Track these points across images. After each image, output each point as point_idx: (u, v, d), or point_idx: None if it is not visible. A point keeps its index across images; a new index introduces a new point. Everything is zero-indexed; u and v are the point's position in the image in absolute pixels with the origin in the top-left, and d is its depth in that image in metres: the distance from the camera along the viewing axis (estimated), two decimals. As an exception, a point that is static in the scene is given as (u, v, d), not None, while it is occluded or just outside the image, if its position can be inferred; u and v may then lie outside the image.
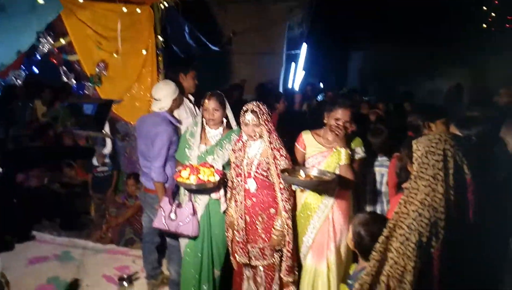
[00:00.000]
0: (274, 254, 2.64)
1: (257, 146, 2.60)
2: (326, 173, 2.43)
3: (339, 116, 2.50)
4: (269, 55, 8.16)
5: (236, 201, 2.68)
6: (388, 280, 1.42)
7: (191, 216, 2.77)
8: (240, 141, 2.68)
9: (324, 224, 2.56)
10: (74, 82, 3.04)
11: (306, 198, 2.61)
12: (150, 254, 3.35)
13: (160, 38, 3.77)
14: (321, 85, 9.90)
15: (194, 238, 2.83)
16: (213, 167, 2.71)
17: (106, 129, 3.76)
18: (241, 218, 2.64)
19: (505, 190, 1.62)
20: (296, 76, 9.59)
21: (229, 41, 7.21)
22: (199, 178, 2.60)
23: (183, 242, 2.93)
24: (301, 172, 2.43)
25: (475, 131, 1.89)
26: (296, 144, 2.72)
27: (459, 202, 1.36)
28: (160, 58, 3.80)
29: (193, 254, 2.86)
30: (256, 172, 2.58)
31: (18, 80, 2.70)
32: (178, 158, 2.94)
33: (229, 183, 2.75)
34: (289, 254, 2.59)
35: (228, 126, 2.92)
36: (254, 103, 2.58)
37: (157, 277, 3.41)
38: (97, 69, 3.10)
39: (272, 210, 2.61)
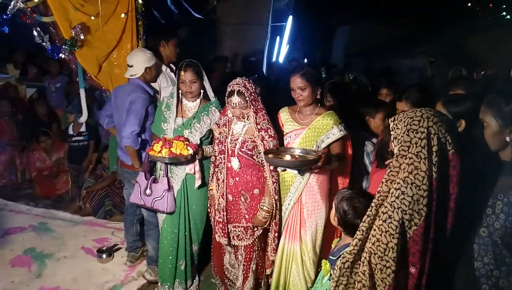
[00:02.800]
0: (255, 233, 2.58)
1: (242, 124, 2.49)
2: (311, 152, 2.29)
3: (292, 84, 2.37)
4: (254, 26, 7.95)
5: (218, 179, 2.58)
6: (370, 257, 1.43)
7: (166, 191, 2.69)
8: (225, 115, 2.55)
9: (296, 204, 2.46)
10: (49, 44, 2.86)
11: (283, 174, 2.50)
12: (131, 226, 3.31)
13: (140, 1, 3.58)
14: (305, 60, 9.79)
15: (171, 213, 2.77)
16: (188, 140, 2.61)
17: (82, 96, 3.61)
18: (223, 198, 2.54)
19: (479, 170, 1.61)
20: (280, 50, 9.45)
21: (214, 9, 6.95)
22: (171, 152, 2.48)
23: (160, 217, 2.89)
24: (287, 156, 2.26)
25: (462, 109, 1.88)
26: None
27: (442, 179, 1.36)
28: (140, 23, 3.62)
29: (170, 230, 2.81)
30: (240, 150, 2.47)
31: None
32: (154, 131, 2.83)
33: (212, 158, 2.64)
34: (276, 235, 2.53)
35: (205, 97, 2.78)
36: (239, 82, 2.40)
37: (137, 249, 3.39)
38: (73, 32, 2.92)
39: (256, 191, 2.50)
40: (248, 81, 2.41)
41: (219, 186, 2.56)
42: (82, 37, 2.97)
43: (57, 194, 4.71)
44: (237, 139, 2.47)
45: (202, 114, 2.71)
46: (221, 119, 2.58)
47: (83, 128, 4.47)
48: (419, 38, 8.61)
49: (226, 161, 2.51)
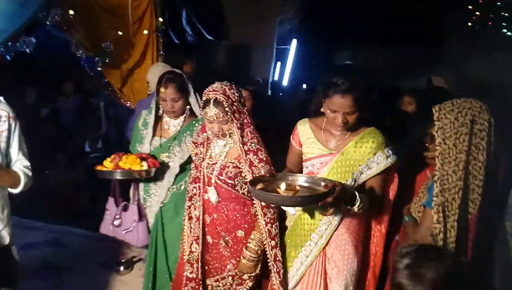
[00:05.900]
0: (246, 282, 1.93)
1: (223, 142, 1.91)
2: (319, 182, 1.64)
3: (335, 107, 1.66)
4: (259, 48, 8.12)
5: (191, 217, 1.95)
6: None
7: (137, 221, 2.25)
8: (205, 131, 1.97)
9: (318, 257, 1.82)
10: (84, 55, 2.98)
11: (301, 214, 1.85)
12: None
13: (160, 20, 3.75)
14: (304, 85, 9.92)
15: (145, 247, 2.38)
16: (155, 158, 2.19)
17: (102, 109, 3.70)
18: (197, 243, 1.91)
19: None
20: (284, 73, 9.64)
21: (226, 33, 7.13)
22: (117, 165, 2.07)
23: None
24: (282, 184, 1.57)
25: None
26: (291, 139, 1.95)
27: (495, 170, 1.39)
28: (160, 40, 3.77)
29: (147, 268, 2.36)
30: (219, 178, 1.87)
31: (28, 48, 2.56)
32: (132, 151, 2.36)
33: (188, 188, 2.03)
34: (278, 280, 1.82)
35: (192, 113, 2.32)
36: (217, 88, 1.81)
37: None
38: (103, 45, 3.06)
39: (241, 233, 1.89)
40: (229, 87, 1.83)
41: (191, 227, 1.94)
42: (111, 50, 3.08)
43: (73, 211, 4.67)
44: (216, 163, 1.89)
45: (185, 134, 2.23)
46: (199, 136, 1.99)
47: (99, 145, 4.50)
48: (421, 61, 8.80)
49: (201, 191, 1.92)
